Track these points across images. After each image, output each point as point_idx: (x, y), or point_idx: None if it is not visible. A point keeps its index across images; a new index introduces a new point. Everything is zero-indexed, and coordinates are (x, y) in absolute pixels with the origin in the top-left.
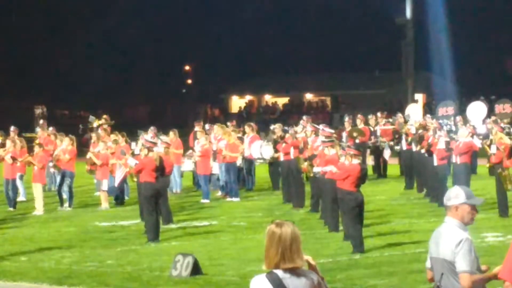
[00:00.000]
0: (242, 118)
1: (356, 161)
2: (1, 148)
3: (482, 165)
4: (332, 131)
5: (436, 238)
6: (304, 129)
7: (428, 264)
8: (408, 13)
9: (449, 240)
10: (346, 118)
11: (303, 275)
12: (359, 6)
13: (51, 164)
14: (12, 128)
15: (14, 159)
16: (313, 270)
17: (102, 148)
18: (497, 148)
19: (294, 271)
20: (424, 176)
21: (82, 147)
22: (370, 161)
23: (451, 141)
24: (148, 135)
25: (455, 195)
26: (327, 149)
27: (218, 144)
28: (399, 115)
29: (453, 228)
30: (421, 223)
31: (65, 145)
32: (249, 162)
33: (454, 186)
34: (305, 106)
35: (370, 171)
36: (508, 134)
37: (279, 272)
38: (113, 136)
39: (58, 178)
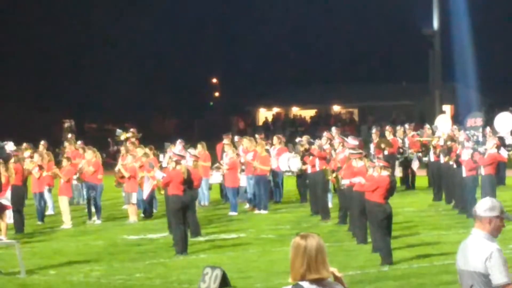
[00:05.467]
0: (269, 130)
1: (385, 172)
2: (30, 161)
3: (510, 176)
4: (357, 142)
5: (464, 251)
6: (328, 141)
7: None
8: (435, 24)
9: (479, 253)
10: (374, 130)
11: (329, 287)
12: (386, 17)
13: (75, 176)
14: (42, 142)
15: (41, 167)
16: (339, 282)
17: (130, 161)
18: None
19: (320, 283)
20: (452, 187)
21: (110, 160)
22: (398, 172)
23: (475, 152)
24: (176, 148)
25: (490, 207)
26: (355, 161)
27: (246, 156)
28: (427, 126)
29: (481, 240)
30: (450, 235)
31: (88, 157)
32: (277, 175)
33: (487, 197)
34: (333, 118)
35: (398, 183)
36: None
37: (304, 284)
38: (140, 150)
39: (85, 191)
